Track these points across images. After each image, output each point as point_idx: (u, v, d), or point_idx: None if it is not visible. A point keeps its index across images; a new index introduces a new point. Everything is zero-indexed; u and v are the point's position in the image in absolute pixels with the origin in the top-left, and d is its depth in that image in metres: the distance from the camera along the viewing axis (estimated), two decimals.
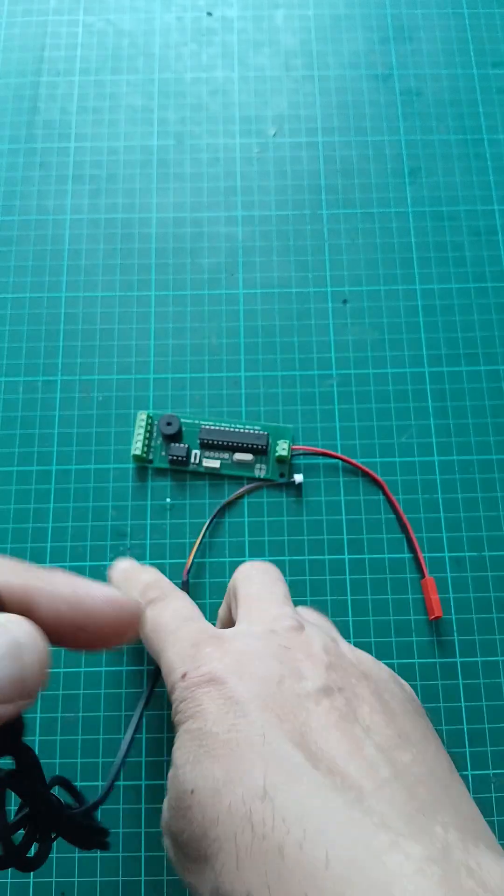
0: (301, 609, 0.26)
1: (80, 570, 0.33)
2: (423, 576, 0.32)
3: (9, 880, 0.29)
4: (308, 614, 0.26)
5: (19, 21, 0.42)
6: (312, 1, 0.43)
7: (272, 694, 0.18)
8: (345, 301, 0.37)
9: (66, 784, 0.20)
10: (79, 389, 0.36)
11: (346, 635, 0.32)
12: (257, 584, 0.24)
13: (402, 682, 0.22)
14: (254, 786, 0.16)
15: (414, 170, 0.40)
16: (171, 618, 0.23)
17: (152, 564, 0.33)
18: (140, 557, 0.33)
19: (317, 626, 0.22)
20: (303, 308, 0.37)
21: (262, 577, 0.25)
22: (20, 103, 0.41)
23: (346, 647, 0.22)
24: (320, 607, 0.30)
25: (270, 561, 0.31)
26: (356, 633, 0.32)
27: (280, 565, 0.33)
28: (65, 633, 0.16)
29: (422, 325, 0.37)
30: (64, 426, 0.35)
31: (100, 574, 0.33)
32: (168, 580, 0.27)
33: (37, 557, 0.33)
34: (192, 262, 0.38)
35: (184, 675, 0.19)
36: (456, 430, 0.35)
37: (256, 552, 0.33)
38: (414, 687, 0.31)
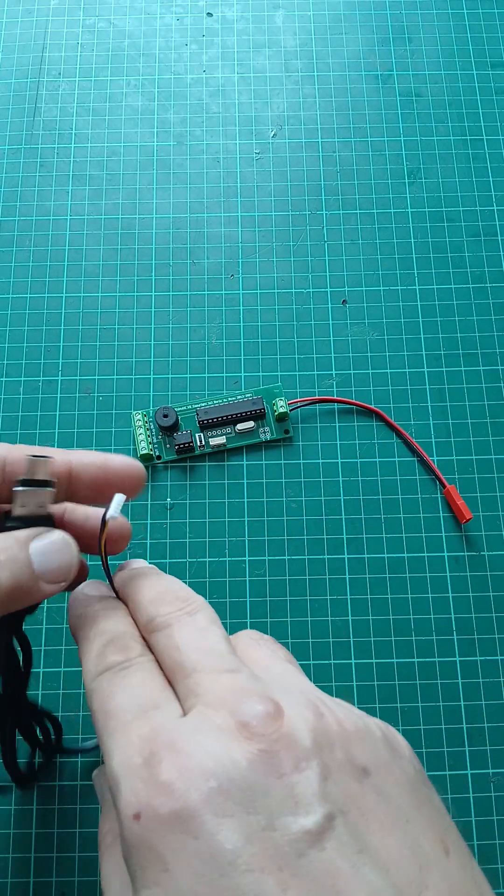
0: (243, 639, 0.20)
1: None
2: (443, 486, 0.34)
3: (9, 880, 0.29)
4: (252, 647, 0.20)
5: (19, 21, 0.43)
6: (312, 2, 0.43)
7: (267, 844, 0.14)
8: (344, 301, 0.37)
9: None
10: (79, 389, 0.36)
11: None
12: (187, 631, 0.18)
13: (394, 735, 0.18)
14: None
15: (413, 170, 0.40)
16: (126, 703, 0.17)
17: (152, 564, 0.33)
18: (141, 557, 0.33)
19: (287, 688, 0.17)
20: (303, 308, 0.37)
21: (191, 621, 0.19)
22: (21, 104, 0.41)
23: (326, 707, 0.17)
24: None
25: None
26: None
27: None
28: (98, 490, 0.21)
29: (421, 326, 0.37)
30: (64, 426, 0.35)
31: (99, 574, 0.33)
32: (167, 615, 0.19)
33: None
34: (192, 262, 0.38)
35: (137, 816, 0.15)
36: (455, 430, 0.35)
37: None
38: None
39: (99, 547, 0.20)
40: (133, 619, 0.20)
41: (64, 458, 0.21)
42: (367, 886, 0.14)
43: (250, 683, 0.17)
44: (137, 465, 0.22)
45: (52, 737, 0.28)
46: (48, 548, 0.19)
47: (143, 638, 0.19)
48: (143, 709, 0.17)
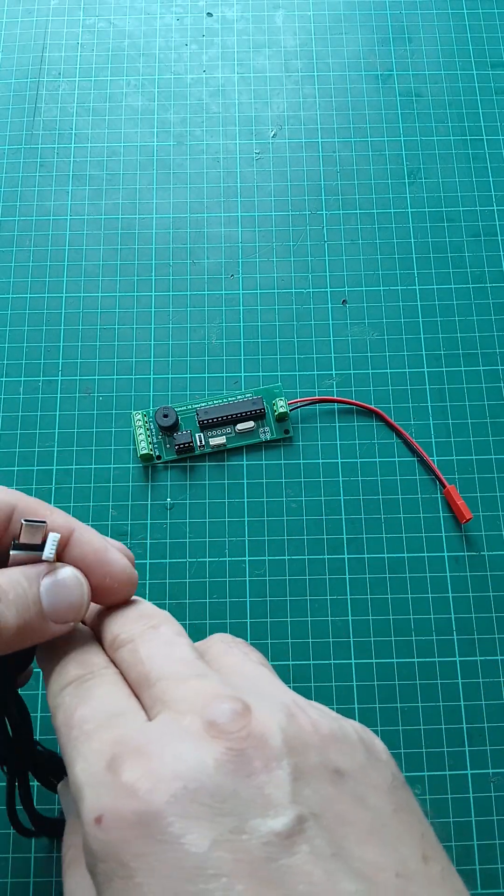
0: (214, 644, 0.20)
1: None
2: (443, 486, 0.34)
3: (9, 880, 0.29)
4: (224, 652, 0.19)
5: (19, 21, 0.43)
6: (312, 2, 0.43)
7: (237, 848, 0.13)
8: (344, 301, 0.37)
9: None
10: (79, 389, 0.36)
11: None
12: (151, 644, 0.18)
13: (371, 737, 0.17)
14: None
15: (413, 170, 0.40)
16: (89, 713, 0.17)
17: (152, 564, 0.33)
18: (140, 557, 0.33)
19: (259, 691, 0.17)
20: (303, 308, 0.37)
21: (155, 634, 0.18)
22: (21, 104, 0.41)
23: (299, 709, 0.16)
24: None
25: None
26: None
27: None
28: (86, 570, 0.20)
29: (421, 326, 0.37)
30: (64, 426, 0.35)
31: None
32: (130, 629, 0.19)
33: None
34: (192, 262, 0.38)
35: (99, 819, 0.14)
36: (455, 430, 0.35)
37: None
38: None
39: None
40: (98, 641, 0.19)
41: (66, 523, 0.20)
42: (342, 894, 0.13)
43: (218, 687, 0.16)
44: (132, 574, 0.20)
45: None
46: (59, 585, 0.18)
47: (109, 657, 0.19)
48: (106, 716, 0.16)
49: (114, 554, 0.20)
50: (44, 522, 0.19)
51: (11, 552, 0.19)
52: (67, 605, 0.18)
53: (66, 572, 0.19)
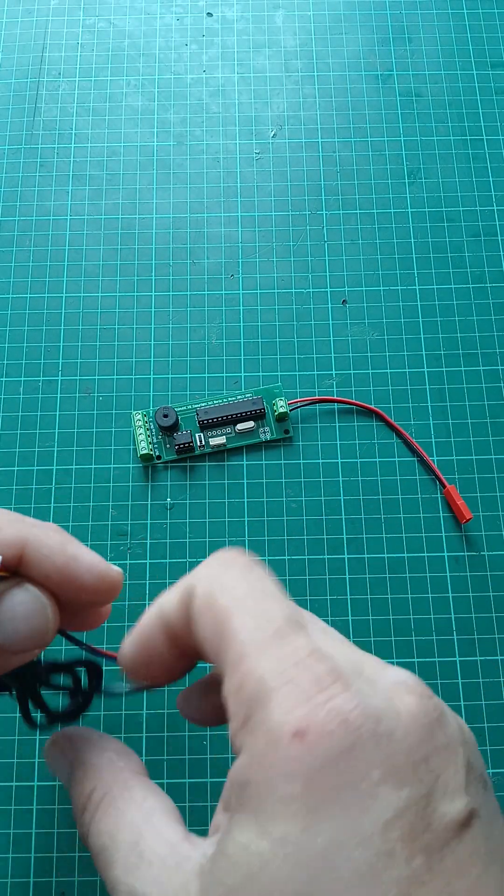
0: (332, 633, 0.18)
1: None
2: (443, 486, 0.34)
3: (9, 880, 0.29)
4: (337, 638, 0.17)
5: (19, 21, 0.43)
6: (312, 2, 0.43)
7: (419, 824, 0.12)
8: (344, 301, 0.37)
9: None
10: (79, 389, 0.36)
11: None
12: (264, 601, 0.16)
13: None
14: None
15: (413, 170, 0.40)
16: (256, 623, 0.15)
17: (152, 564, 0.33)
18: (140, 557, 0.33)
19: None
20: (302, 308, 0.37)
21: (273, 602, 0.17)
22: (21, 104, 0.41)
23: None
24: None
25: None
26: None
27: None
28: (55, 589, 0.17)
29: (421, 326, 0.37)
30: (64, 426, 0.35)
31: None
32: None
33: None
34: (192, 262, 0.38)
35: (301, 734, 0.12)
36: (455, 430, 0.35)
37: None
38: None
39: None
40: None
41: (14, 539, 0.16)
42: None
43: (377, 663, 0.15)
44: (112, 579, 0.17)
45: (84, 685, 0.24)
46: (12, 614, 0.15)
47: None
48: (291, 623, 0.14)
49: (83, 563, 0.16)
50: None
51: None
52: (26, 635, 0.15)
53: (19, 597, 0.16)
